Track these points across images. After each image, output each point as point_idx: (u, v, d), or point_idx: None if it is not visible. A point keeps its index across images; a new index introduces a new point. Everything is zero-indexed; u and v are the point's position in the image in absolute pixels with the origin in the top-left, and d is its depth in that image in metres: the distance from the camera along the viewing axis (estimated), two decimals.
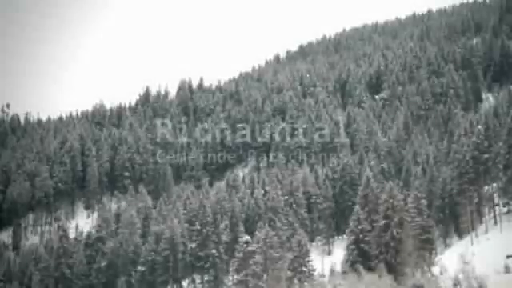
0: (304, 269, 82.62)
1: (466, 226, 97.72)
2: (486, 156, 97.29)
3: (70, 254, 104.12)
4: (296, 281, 79.58)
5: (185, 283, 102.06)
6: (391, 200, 79.29)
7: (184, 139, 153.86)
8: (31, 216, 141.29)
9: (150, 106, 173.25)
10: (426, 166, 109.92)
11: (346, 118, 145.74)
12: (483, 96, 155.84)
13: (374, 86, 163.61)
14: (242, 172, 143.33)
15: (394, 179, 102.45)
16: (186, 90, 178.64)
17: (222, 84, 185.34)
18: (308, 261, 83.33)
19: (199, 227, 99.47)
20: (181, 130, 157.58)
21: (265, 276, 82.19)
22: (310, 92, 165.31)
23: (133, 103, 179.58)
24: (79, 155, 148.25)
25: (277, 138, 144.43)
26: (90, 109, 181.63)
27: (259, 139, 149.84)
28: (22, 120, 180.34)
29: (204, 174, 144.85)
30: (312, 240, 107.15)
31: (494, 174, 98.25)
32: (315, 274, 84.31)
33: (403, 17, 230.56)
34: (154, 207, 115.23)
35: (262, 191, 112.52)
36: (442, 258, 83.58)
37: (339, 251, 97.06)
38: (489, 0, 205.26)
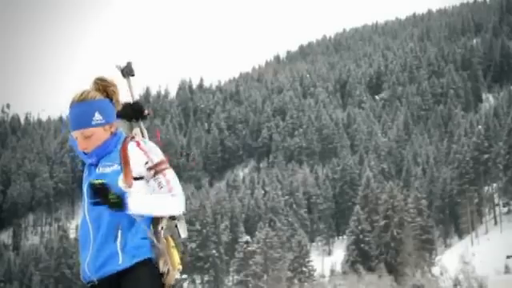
0: (304, 269, 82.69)
1: (466, 226, 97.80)
2: (486, 156, 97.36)
3: (70, 254, 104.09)
4: (296, 281, 79.63)
5: (185, 283, 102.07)
6: (391, 200, 79.42)
7: (184, 139, 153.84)
8: (31, 216, 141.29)
9: (149, 106, 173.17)
10: (426, 166, 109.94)
11: (346, 118, 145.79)
12: (483, 96, 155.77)
13: (374, 87, 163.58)
14: (242, 172, 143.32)
15: (394, 179, 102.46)
16: (186, 90, 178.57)
17: (222, 84, 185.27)
18: (308, 261, 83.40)
19: (199, 227, 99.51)
20: (181, 130, 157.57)
21: (265, 276, 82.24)
22: (310, 92, 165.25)
23: None
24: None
25: (277, 138, 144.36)
26: None
27: (259, 139, 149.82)
28: (22, 120, 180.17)
29: (204, 175, 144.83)
30: (312, 240, 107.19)
31: (494, 175, 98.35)
32: (315, 274, 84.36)
33: (403, 17, 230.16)
34: None
35: (262, 191, 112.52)
36: (442, 258, 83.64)
37: (339, 251, 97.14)
38: (489, 0, 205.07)
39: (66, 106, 3.89)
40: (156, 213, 3.66)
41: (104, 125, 3.75)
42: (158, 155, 3.73)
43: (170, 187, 3.67)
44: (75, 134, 3.76)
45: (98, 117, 3.72)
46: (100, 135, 3.74)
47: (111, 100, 3.83)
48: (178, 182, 3.71)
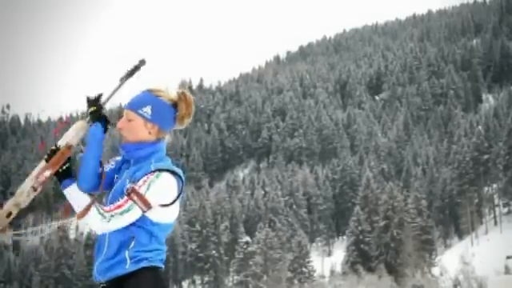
0: (304, 270, 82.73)
1: (466, 226, 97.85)
2: (486, 157, 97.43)
3: (70, 255, 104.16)
4: (296, 282, 79.66)
5: (185, 284, 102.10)
6: (391, 201, 79.51)
7: (184, 140, 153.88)
8: (31, 217, 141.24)
9: None
10: (426, 166, 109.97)
11: (346, 118, 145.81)
12: (483, 97, 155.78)
13: (374, 87, 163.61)
14: (242, 173, 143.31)
15: (394, 180, 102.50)
16: (185, 90, 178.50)
17: (221, 85, 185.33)
18: (308, 261, 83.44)
19: (199, 228, 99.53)
20: (181, 130, 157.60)
21: (265, 277, 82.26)
22: (310, 93, 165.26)
23: None
24: (80, 156, 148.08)
25: (277, 138, 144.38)
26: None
27: (259, 140, 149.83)
28: (22, 121, 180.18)
29: (204, 175, 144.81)
30: (312, 241, 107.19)
31: (494, 175, 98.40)
32: (315, 274, 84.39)
33: (403, 17, 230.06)
34: None
35: (262, 192, 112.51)
36: (442, 258, 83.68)
37: (339, 252, 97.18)
38: (489, 1, 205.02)
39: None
40: (74, 206, 3.70)
41: (147, 120, 3.75)
42: (148, 191, 3.59)
43: (111, 209, 3.58)
44: (124, 112, 3.84)
45: (147, 110, 3.74)
46: (138, 126, 3.76)
47: (176, 111, 3.86)
48: (124, 219, 3.57)
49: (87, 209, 3.59)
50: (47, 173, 3.66)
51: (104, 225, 3.57)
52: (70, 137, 3.74)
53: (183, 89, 3.98)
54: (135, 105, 3.79)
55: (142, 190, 3.57)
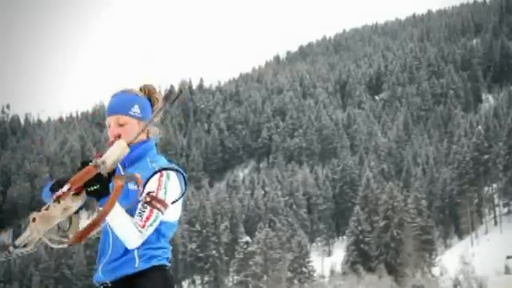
0: (304, 270, 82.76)
1: (466, 226, 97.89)
2: (486, 157, 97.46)
3: (70, 255, 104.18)
4: (296, 281, 79.68)
5: (185, 284, 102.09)
6: (391, 201, 79.56)
7: (184, 140, 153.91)
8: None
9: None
10: (426, 166, 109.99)
11: (346, 118, 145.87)
12: (483, 97, 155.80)
13: (374, 87, 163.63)
14: (242, 173, 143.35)
15: (394, 180, 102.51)
16: (186, 90, 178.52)
17: (221, 85, 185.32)
18: (308, 261, 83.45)
19: (199, 228, 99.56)
20: (181, 130, 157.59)
21: (265, 277, 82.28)
22: (310, 93, 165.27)
23: None
24: (79, 156, 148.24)
25: (277, 138, 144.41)
26: (90, 109, 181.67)
27: (259, 140, 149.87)
28: (22, 121, 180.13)
29: (204, 175, 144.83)
30: (312, 241, 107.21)
31: (494, 175, 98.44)
32: (315, 274, 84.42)
33: (403, 17, 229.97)
34: None
35: (262, 192, 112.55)
36: (442, 258, 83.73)
37: (339, 252, 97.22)
38: (489, 1, 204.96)
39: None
40: (114, 226, 3.50)
41: (139, 119, 3.74)
42: (166, 194, 3.63)
43: (144, 224, 3.55)
44: (110, 119, 3.75)
45: (136, 109, 3.74)
46: (133, 127, 3.73)
47: (152, 106, 3.88)
48: (153, 228, 3.60)
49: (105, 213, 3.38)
50: (65, 188, 3.36)
51: (140, 240, 3.56)
52: (107, 155, 3.40)
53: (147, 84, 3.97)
54: (122, 108, 3.75)
55: (161, 196, 3.60)
